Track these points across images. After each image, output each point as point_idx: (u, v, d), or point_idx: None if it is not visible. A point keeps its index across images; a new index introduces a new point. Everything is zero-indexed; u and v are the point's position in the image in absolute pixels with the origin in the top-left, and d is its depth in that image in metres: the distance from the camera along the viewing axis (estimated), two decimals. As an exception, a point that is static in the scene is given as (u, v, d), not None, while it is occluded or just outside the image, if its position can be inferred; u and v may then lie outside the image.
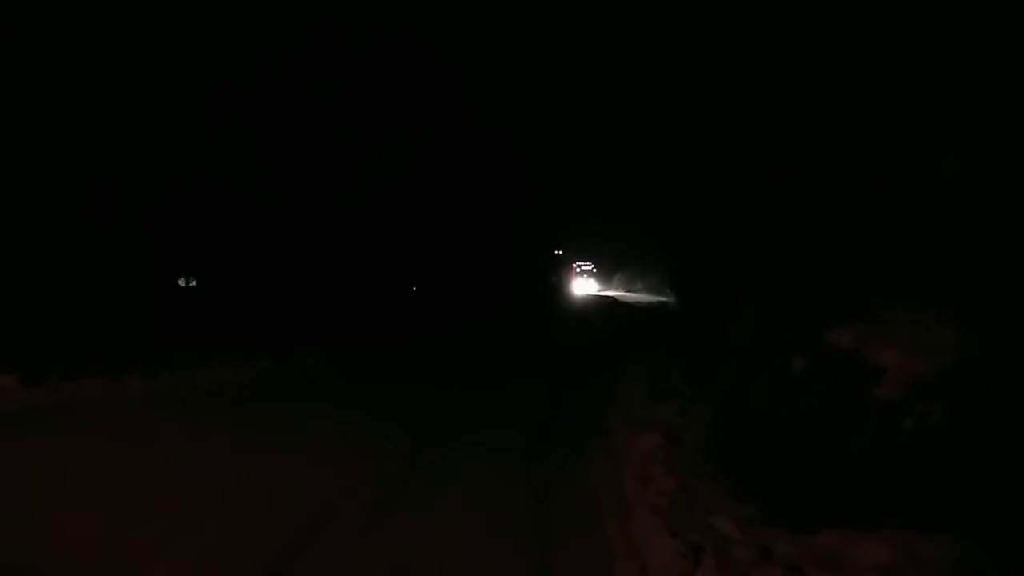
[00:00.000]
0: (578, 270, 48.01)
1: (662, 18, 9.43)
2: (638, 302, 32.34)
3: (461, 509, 4.45)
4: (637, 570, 3.53)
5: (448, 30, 13.63)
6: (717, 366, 5.91)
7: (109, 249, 9.48)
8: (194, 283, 12.05)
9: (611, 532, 4.09)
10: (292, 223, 11.92)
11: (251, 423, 6.74)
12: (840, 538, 3.24)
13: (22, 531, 3.87)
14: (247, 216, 11.22)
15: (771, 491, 3.94)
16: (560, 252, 34.71)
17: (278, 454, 5.59)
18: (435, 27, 13.34)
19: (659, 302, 30.01)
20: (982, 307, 3.61)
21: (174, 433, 6.25)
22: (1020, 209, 3.85)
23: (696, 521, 3.76)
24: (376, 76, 12.71)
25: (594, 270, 50.46)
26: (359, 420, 6.90)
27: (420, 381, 9.62)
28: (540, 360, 12.74)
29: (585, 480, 5.15)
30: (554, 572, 3.59)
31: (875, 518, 3.31)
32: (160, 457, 5.38)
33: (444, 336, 14.56)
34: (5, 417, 6.64)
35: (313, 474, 5.08)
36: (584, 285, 47.12)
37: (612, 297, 37.25)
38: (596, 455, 5.79)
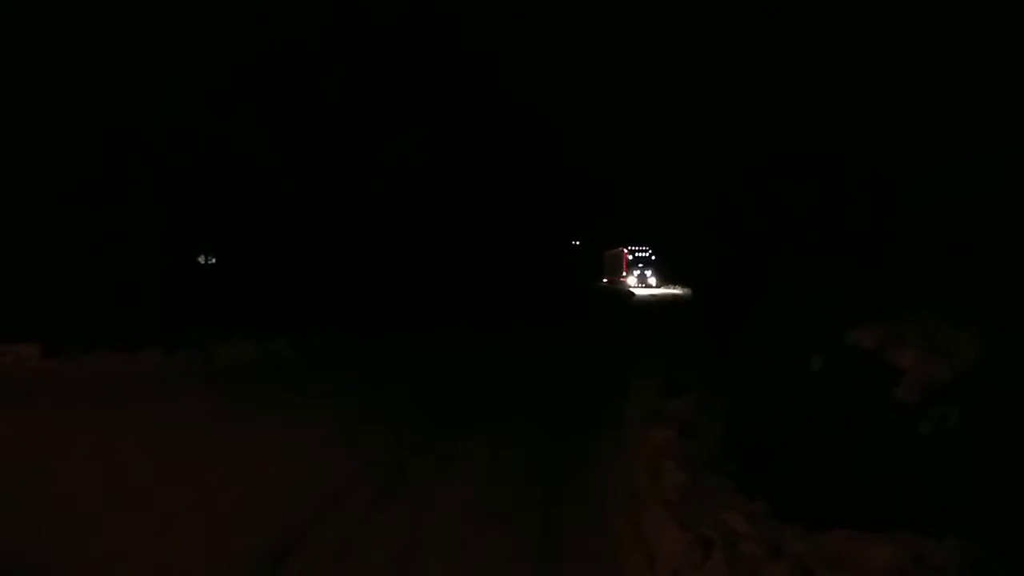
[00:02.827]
0: (630, 257, 40.40)
1: (696, 14, 9.35)
2: (652, 295, 32.16)
3: (473, 494, 4.48)
4: (645, 562, 3.53)
5: (473, 7, 13.52)
6: (733, 362, 5.89)
7: (126, 226, 9.61)
8: (213, 261, 12.20)
9: (620, 524, 4.10)
10: (312, 208, 12.00)
11: (272, 401, 6.87)
12: (850, 538, 3.23)
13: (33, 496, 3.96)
14: (267, 199, 11.32)
15: (783, 488, 3.93)
16: (578, 243, 34.24)
17: (300, 431, 5.70)
18: (460, 5, 13.26)
19: (672, 295, 29.91)
20: (1003, 311, 3.57)
21: (193, 407, 6.36)
22: None
23: (706, 516, 3.75)
24: (398, 58, 12.70)
25: (652, 257, 41.63)
26: (377, 401, 7.01)
27: (433, 371, 9.64)
28: (555, 349, 12.75)
29: (596, 472, 5.15)
30: (563, 560, 3.61)
31: (886, 519, 3.30)
32: (178, 429, 5.49)
33: (455, 327, 14.58)
34: (28, 384, 6.82)
35: (333, 451, 5.18)
36: (637, 279, 38.87)
37: (631, 291, 36.47)
38: (608, 448, 5.77)
